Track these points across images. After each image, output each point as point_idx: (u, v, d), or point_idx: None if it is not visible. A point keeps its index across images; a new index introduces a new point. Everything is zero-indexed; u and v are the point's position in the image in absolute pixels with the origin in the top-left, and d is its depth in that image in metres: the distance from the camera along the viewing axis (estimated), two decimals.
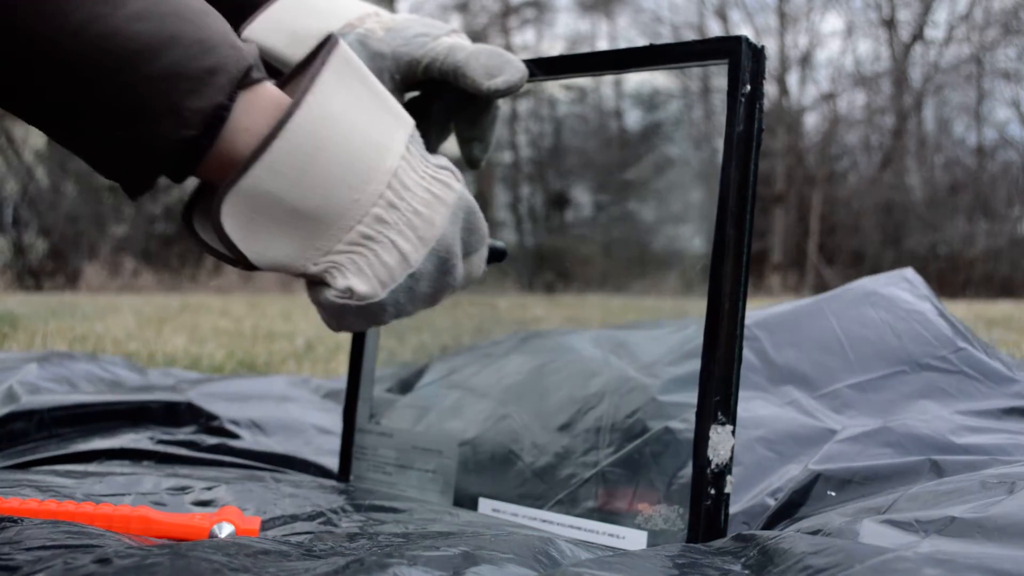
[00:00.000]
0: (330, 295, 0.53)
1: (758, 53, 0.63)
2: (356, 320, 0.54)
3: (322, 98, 0.50)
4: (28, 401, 1.01)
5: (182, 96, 0.47)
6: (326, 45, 0.52)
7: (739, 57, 0.63)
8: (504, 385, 0.82)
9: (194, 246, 0.53)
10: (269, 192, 0.49)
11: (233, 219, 0.49)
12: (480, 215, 0.58)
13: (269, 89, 0.51)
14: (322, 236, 0.52)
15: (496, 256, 0.62)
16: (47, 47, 0.45)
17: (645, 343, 0.84)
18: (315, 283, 0.54)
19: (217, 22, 0.50)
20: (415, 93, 0.70)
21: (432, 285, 0.56)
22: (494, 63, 0.64)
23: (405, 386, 0.93)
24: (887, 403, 0.90)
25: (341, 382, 1.50)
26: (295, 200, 0.50)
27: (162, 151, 0.48)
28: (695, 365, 0.64)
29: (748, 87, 0.63)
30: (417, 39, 0.66)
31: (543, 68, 0.71)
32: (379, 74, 0.65)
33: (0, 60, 0.45)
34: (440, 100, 0.70)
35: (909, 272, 1.08)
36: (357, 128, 0.52)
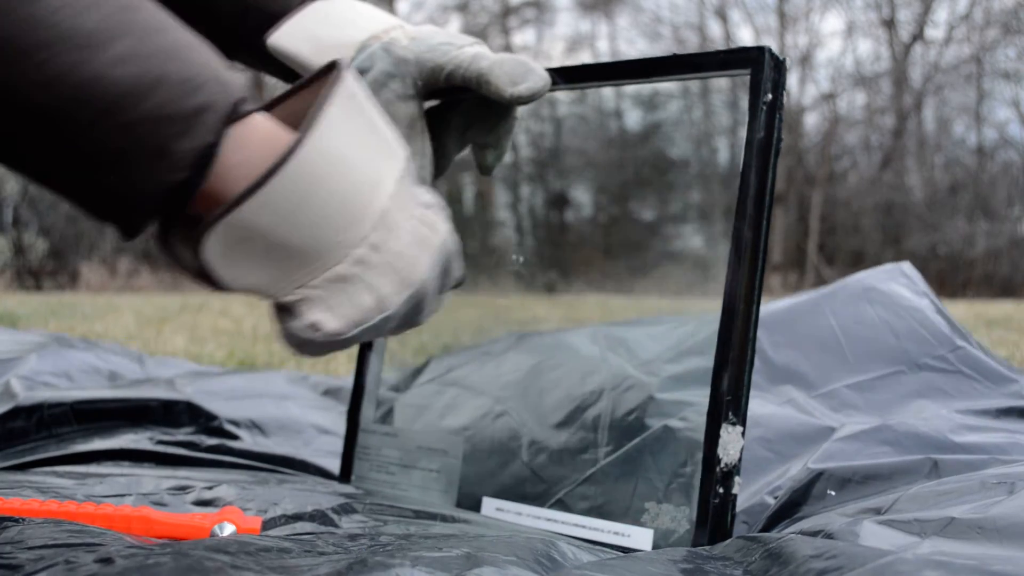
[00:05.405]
0: (295, 326, 0.51)
1: (780, 64, 0.66)
2: (315, 350, 0.53)
3: (326, 135, 0.48)
4: (27, 397, 1.00)
5: (170, 139, 0.45)
6: (332, 75, 0.50)
7: (762, 67, 0.65)
8: (502, 383, 0.82)
9: (167, 261, 0.52)
10: (257, 227, 0.48)
11: (215, 247, 0.48)
12: (458, 257, 0.57)
13: (260, 122, 0.49)
14: (299, 271, 0.50)
15: (455, 285, 0.61)
16: (22, 100, 0.43)
17: (643, 340, 0.84)
18: (282, 308, 0.52)
19: (203, 55, 0.48)
20: (435, 102, 0.71)
21: (400, 323, 0.55)
22: (518, 71, 0.65)
23: (403, 384, 0.93)
24: (885, 403, 0.90)
25: (339, 379, 1.50)
26: (281, 236, 0.49)
27: (153, 194, 0.47)
28: (694, 363, 0.64)
29: (770, 96, 0.65)
30: (441, 47, 0.66)
31: (565, 77, 0.72)
32: (402, 79, 0.66)
33: None
34: (459, 108, 0.70)
35: (906, 266, 1.07)
36: (356, 166, 0.50)
